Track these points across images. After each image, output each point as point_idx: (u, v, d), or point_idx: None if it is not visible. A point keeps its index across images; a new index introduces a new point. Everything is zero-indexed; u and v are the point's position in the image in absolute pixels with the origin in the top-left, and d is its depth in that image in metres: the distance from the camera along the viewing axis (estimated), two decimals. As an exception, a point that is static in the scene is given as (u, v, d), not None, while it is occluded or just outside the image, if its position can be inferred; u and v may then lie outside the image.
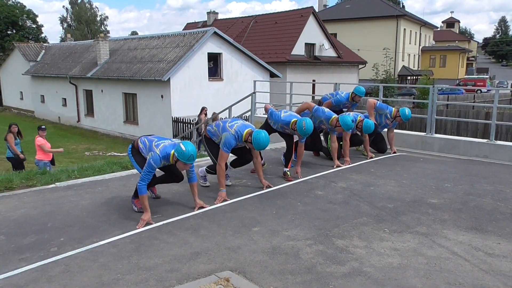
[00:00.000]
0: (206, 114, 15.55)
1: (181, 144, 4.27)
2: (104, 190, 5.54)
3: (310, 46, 28.20)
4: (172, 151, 4.32)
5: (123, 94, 21.78)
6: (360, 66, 32.77)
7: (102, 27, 60.56)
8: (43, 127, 9.91)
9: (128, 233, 4.03)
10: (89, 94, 24.41)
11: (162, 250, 3.65)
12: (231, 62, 21.01)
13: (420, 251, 3.62)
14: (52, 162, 9.77)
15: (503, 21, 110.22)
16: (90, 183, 5.92)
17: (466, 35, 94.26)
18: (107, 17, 70.06)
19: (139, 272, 3.27)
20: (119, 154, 16.82)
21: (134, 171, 6.14)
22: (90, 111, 24.61)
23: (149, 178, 4.32)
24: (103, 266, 3.38)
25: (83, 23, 57.49)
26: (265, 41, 27.79)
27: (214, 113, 13.78)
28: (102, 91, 23.06)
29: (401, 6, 62.52)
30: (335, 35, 39.35)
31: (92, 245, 3.76)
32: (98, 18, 60.87)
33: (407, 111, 7.29)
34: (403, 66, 46.41)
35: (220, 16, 36.70)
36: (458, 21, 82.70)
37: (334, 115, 6.59)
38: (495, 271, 3.26)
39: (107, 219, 4.42)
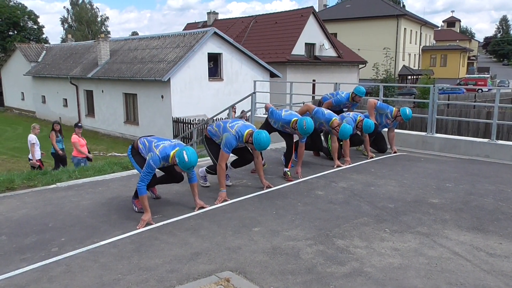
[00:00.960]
0: (235, 112, 15.40)
1: (184, 152, 4.20)
2: (105, 190, 5.55)
3: (310, 46, 28.19)
4: (172, 152, 4.31)
5: (123, 95, 21.80)
6: (360, 66, 32.75)
7: (103, 28, 60.55)
8: (79, 124, 10.33)
9: (128, 233, 4.04)
10: (89, 95, 24.45)
11: (162, 251, 3.65)
12: (231, 62, 21.01)
13: (421, 251, 3.61)
14: (88, 158, 10.08)
15: (504, 20, 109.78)
16: (91, 184, 5.92)
17: (467, 34, 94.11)
18: (107, 17, 70.51)
19: (139, 273, 3.27)
20: (119, 154, 16.84)
21: (135, 171, 6.14)
22: (90, 112, 24.65)
23: (148, 179, 4.33)
24: (104, 266, 3.39)
25: (84, 23, 57.50)
26: (265, 41, 27.79)
27: (242, 111, 13.83)
28: (102, 91, 23.09)
29: (401, 5, 62.42)
30: (335, 35, 39.35)
31: (93, 245, 3.77)
32: (99, 19, 60.92)
33: (407, 111, 7.28)
34: (404, 65, 46.39)
35: (220, 16, 36.73)
36: (459, 20, 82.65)
37: (335, 117, 6.56)
38: (496, 271, 3.25)
39: (107, 219, 4.43)
